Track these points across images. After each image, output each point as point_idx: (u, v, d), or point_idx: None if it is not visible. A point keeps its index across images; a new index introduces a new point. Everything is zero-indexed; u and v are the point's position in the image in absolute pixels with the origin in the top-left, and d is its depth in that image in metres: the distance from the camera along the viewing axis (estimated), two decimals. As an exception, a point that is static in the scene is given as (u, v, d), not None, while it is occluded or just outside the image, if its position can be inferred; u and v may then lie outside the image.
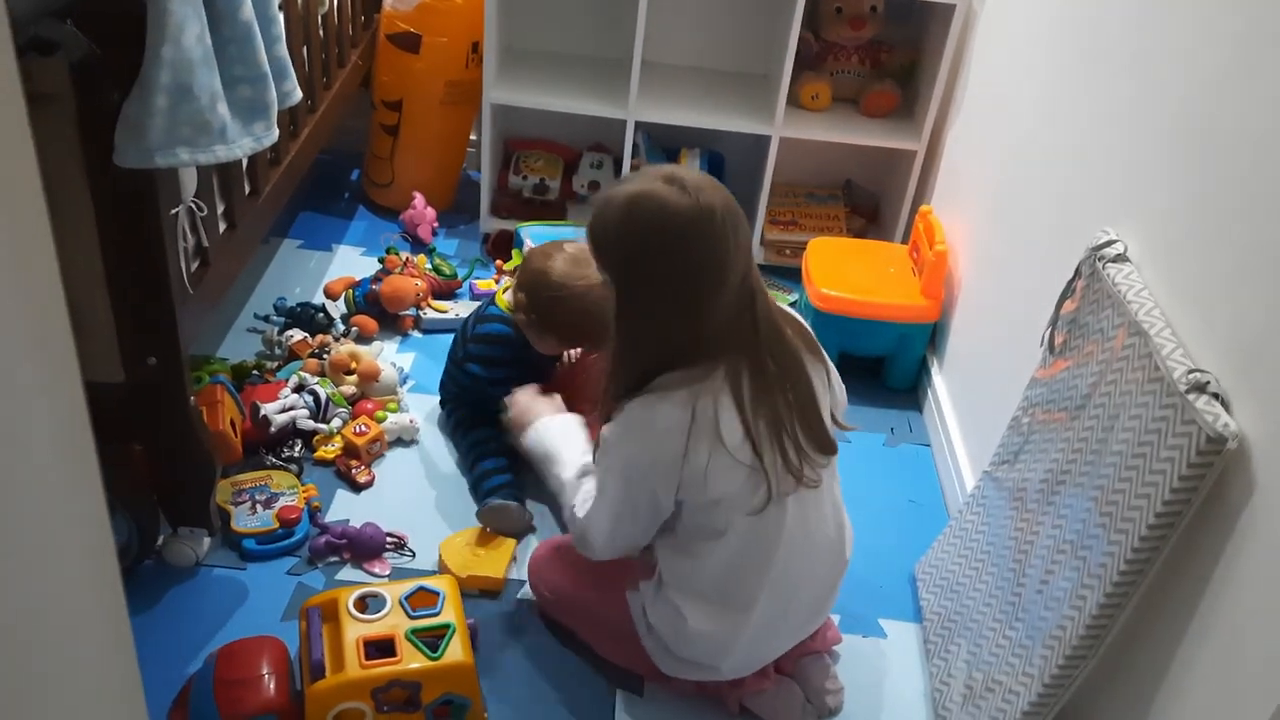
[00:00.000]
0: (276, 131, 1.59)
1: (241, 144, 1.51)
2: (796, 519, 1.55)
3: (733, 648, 1.60)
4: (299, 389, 2.13)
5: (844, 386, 1.69)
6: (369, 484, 2.05)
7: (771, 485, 1.47)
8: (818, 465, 1.53)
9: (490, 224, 2.85)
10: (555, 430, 1.73)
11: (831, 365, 1.63)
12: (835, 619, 1.87)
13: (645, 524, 1.56)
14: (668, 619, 1.60)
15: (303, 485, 1.99)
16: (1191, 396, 1.23)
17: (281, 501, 1.92)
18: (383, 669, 1.52)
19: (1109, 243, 1.51)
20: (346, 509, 1.99)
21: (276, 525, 1.88)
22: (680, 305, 1.43)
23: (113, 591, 0.75)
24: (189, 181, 1.62)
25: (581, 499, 1.61)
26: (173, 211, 1.56)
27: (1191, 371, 1.25)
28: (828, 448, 1.55)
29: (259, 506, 1.91)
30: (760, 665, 1.68)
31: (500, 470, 2.02)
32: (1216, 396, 1.23)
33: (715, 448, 1.44)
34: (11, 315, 0.60)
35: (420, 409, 2.24)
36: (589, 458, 1.66)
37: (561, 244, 1.99)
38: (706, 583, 1.57)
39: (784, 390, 1.48)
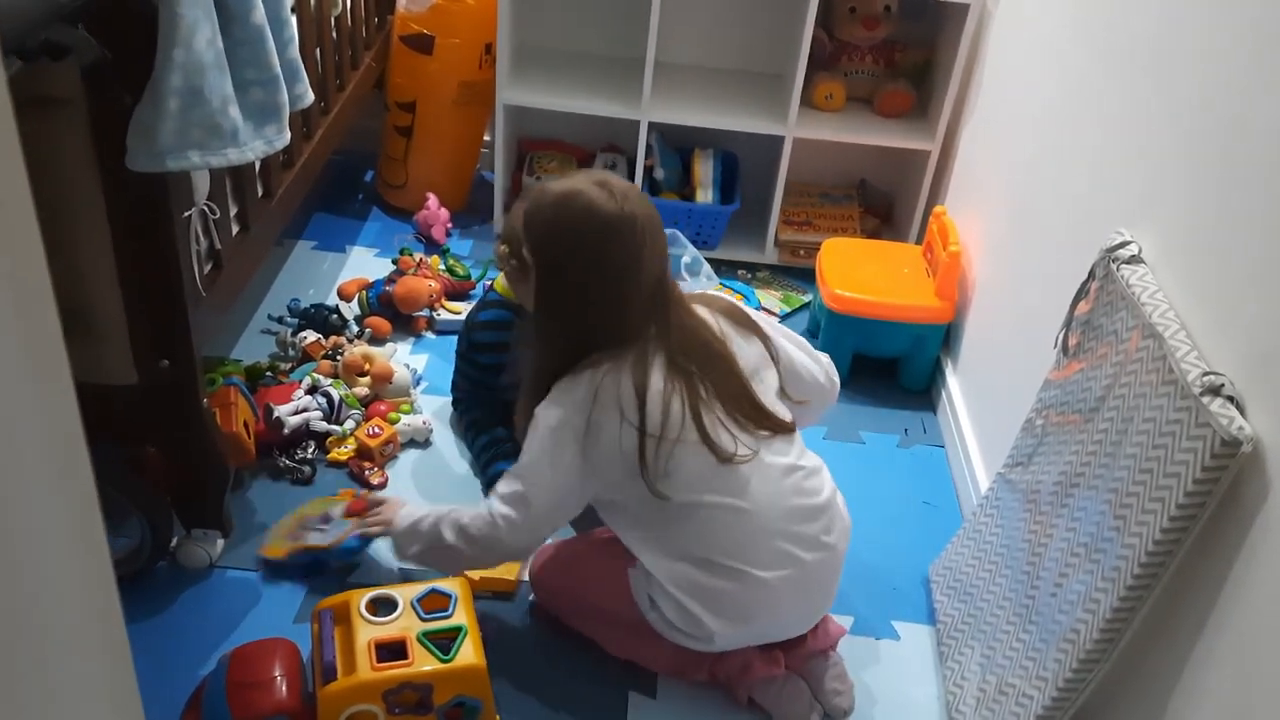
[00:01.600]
0: (289, 134, 1.59)
1: (253, 147, 1.51)
2: (766, 487, 1.58)
3: (731, 613, 1.60)
4: (312, 390, 2.13)
5: (810, 357, 1.79)
6: (382, 485, 2.05)
7: (654, 474, 1.53)
8: (760, 437, 1.60)
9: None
10: (409, 517, 1.72)
11: (777, 339, 1.71)
12: (849, 620, 1.86)
13: (565, 485, 1.59)
14: (666, 592, 1.62)
15: (331, 497, 1.98)
16: (1206, 399, 1.22)
17: (339, 509, 1.87)
18: (394, 671, 1.52)
19: (1123, 244, 1.50)
20: (359, 510, 2.00)
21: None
22: (595, 297, 1.56)
23: (106, 596, 0.75)
24: (202, 184, 1.63)
25: (444, 518, 1.66)
26: (185, 214, 1.57)
27: (1206, 374, 1.24)
28: (766, 423, 1.61)
29: (326, 525, 1.87)
30: (764, 639, 1.67)
31: None
32: (1231, 399, 1.22)
33: (622, 422, 1.53)
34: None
35: (433, 410, 2.24)
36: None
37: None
38: (686, 554, 1.59)
39: (703, 380, 1.56)
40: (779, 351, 1.70)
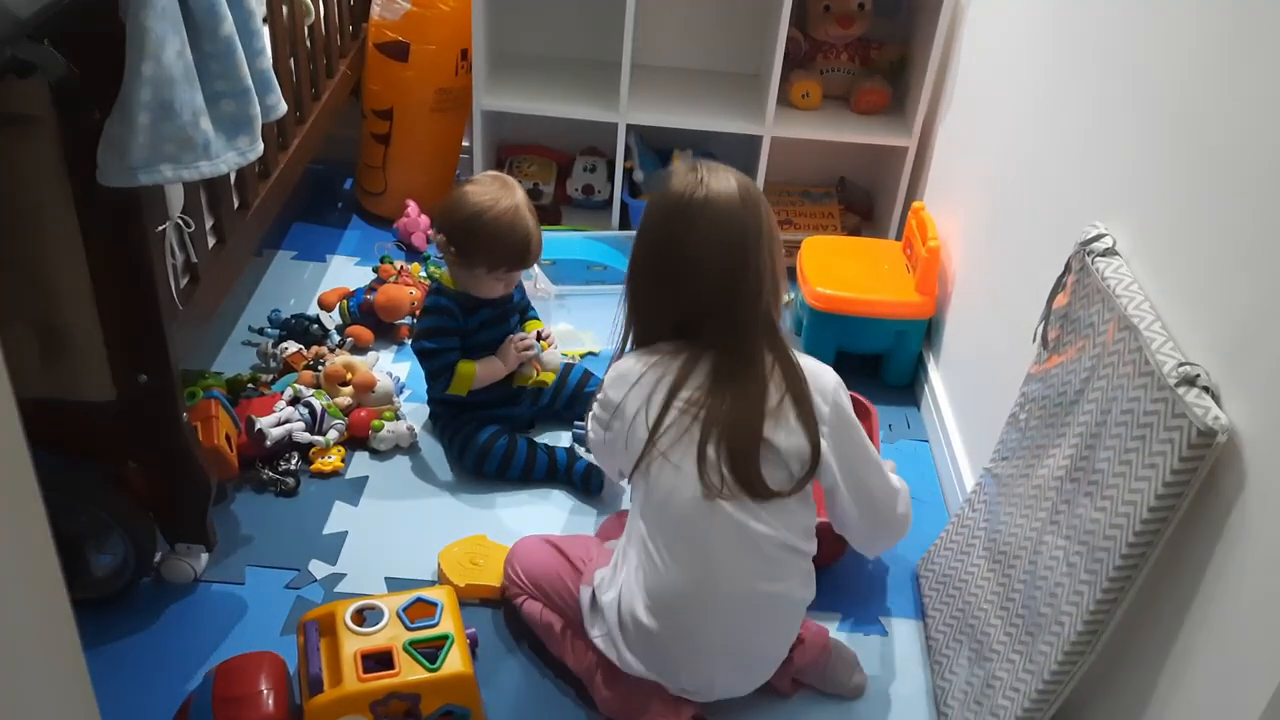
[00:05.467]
0: (261, 145, 1.58)
1: (226, 159, 1.51)
2: (728, 531, 1.52)
3: (651, 639, 1.57)
4: (294, 401, 2.13)
5: (862, 497, 1.64)
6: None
7: (641, 461, 1.54)
8: (731, 495, 1.51)
9: (484, 230, 2.85)
10: None
11: (832, 463, 1.58)
12: (835, 618, 1.87)
13: (608, 456, 1.66)
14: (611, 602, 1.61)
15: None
16: (1181, 390, 1.22)
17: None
18: (381, 681, 1.51)
19: (1098, 237, 1.51)
20: (346, 520, 1.99)
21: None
22: (653, 275, 1.58)
23: (63, 622, 0.74)
24: (175, 198, 1.62)
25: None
26: (159, 229, 1.56)
27: (1181, 365, 1.25)
28: (748, 483, 1.51)
29: None
30: (673, 686, 1.62)
31: (496, 437, 2.10)
32: (1207, 390, 1.22)
33: (638, 411, 1.54)
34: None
35: (417, 418, 2.24)
36: None
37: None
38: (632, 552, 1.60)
39: (730, 417, 1.50)
40: (825, 469, 1.57)
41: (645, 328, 1.61)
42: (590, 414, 1.68)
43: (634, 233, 2.60)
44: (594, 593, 1.64)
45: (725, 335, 1.54)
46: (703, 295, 1.53)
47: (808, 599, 1.64)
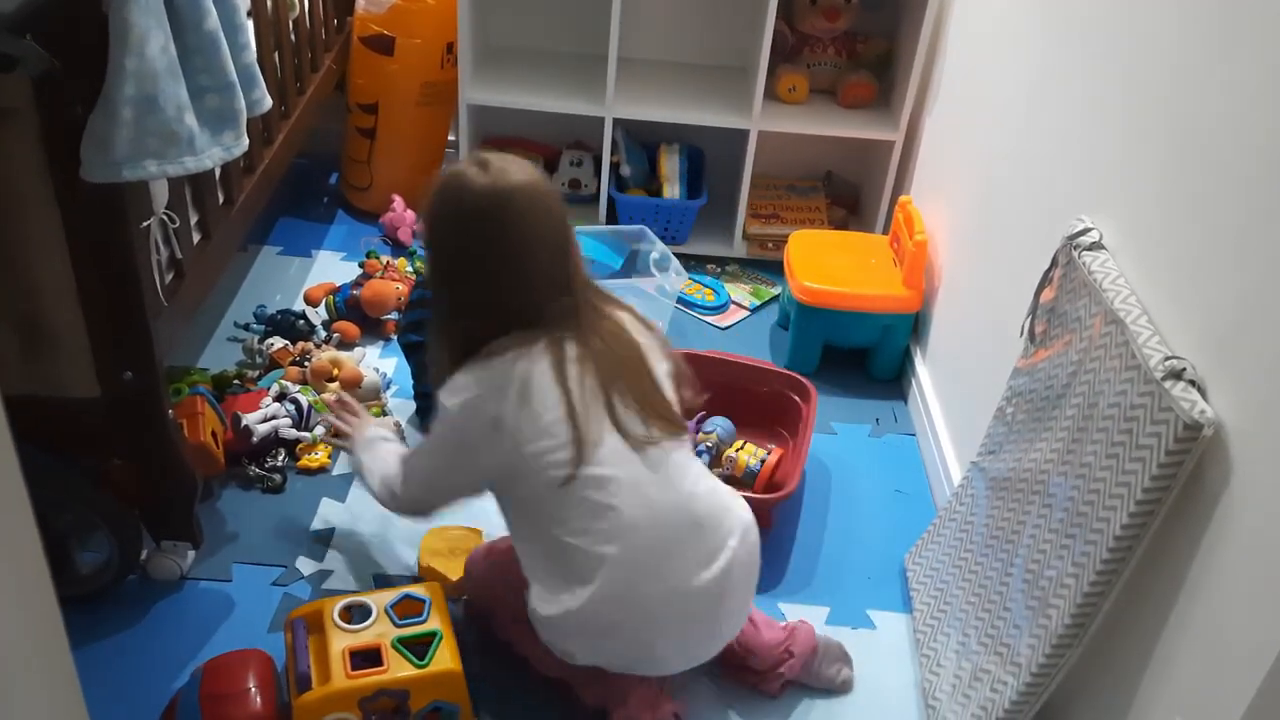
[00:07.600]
0: (246, 140, 1.58)
1: (210, 154, 1.50)
2: (640, 492, 1.49)
3: (587, 630, 1.52)
4: (281, 398, 2.12)
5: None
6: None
7: (584, 446, 1.47)
8: (660, 436, 1.53)
9: (470, 225, 2.84)
10: (368, 436, 1.79)
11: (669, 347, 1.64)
12: (824, 611, 1.87)
13: (456, 480, 1.59)
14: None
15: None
16: (1168, 384, 1.23)
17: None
18: (369, 679, 1.51)
19: (1084, 231, 1.51)
20: (333, 517, 1.98)
21: None
22: (481, 277, 1.51)
23: (51, 620, 0.73)
24: (160, 193, 1.61)
25: (381, 457, 1.70)
26: (144, 224, 1.55)
27: (1168, 359, 1.25)
28: (668, 416, 1.55)
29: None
30: (648, 666, 1.58)
31: None
32: (1193, 383, 1.23)
33: (523, 408, 1.47)
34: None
35: (404, 413, 2.23)
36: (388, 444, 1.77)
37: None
38: (543, 560, 1.53)
39: (615, 362, 1.52)
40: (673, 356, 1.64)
41: (478, 334, 1.52)
42: (428, 439, 1.60)
43: (620, 228, 2.63)
44: (533, 610, 1.56)
45: (568, 309, 1.52)
46: (540, 280, 1.51)
47: (756, 556, 1.61)
